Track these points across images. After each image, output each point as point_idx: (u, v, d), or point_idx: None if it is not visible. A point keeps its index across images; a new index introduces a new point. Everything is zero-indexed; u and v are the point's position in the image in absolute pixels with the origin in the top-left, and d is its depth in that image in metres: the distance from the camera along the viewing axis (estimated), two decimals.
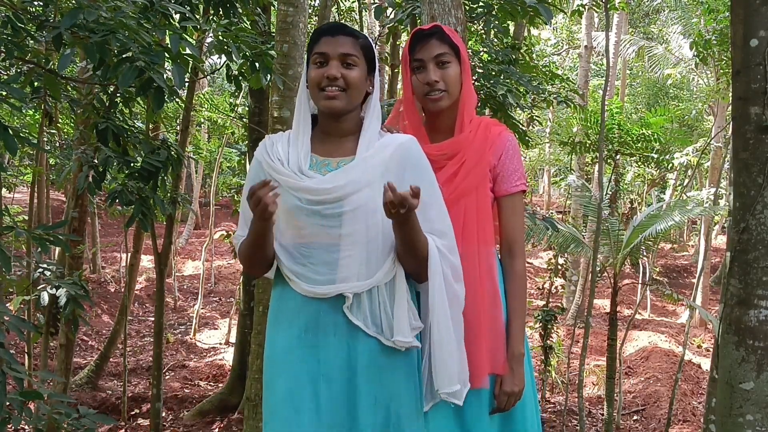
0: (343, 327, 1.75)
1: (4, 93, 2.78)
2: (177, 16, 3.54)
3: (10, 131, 2.46)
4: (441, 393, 1.79)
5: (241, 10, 4.41)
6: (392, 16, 5.42)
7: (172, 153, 3.91)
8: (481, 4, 5.05)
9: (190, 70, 4.48)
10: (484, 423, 1.97)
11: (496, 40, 5.86)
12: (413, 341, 1.78)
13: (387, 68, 9.53)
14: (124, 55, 2.71)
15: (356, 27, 9.50)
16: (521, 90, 5.07)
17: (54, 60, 4.24)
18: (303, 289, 1.77)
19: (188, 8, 3.55)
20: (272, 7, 6.00)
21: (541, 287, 12.57)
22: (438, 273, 1.78)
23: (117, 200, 3.75)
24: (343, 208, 1.73)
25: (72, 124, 8.07)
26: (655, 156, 9.05)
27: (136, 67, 2.65)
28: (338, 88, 1.75)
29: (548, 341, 7.79)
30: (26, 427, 6.05)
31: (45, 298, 4.09)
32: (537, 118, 10.49)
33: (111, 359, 8.05)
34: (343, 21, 9.85)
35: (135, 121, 5.15)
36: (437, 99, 1.97)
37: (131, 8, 2.92)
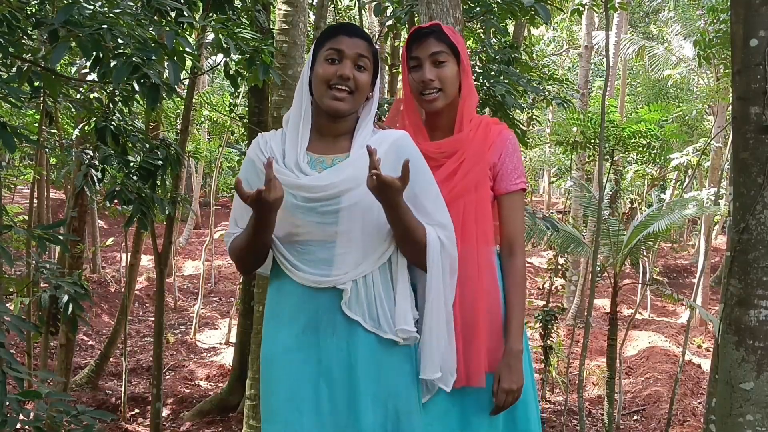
0: (342, 326, 1.75)
1: (4, 92, 2.77)
2: (174, 14, 3.53)
3: (8, 129, 2.46)
4: (424, 378, 1.80)
5: (239, 8, 4.41)
6: (390, 13, 5.42)
7: (171, 152, 3.91)
8: (480, 3, 5.05)
9: (189, 69, 4.48)
10: (485, 421, 1.96)
11: (495, 39, 5.86)
12: (415, 333, 1.78)
13: (386, 68, 9.53)
14: (118, 51, 2.70)
15: None
16: (520, 90, 5.07)
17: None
18: (300, 277, 1.76)
19: (185, 5, 3.54)
20: (272, 6, 6.00)
21: (541, 287, 12.59)
22: (437, 262, 1.77)
23: (116, 200, 3.75)
24: (339, 205, 1.73)
25: (72, 124, 8.07)
26: (654, 152, 9.05)
27: (131, 63, 2.64)
28: (348, 89, 1.75)
29: (548, 341, 7.78)
30: (26, 426, 6.04)
31: (45, 298, 4.08)
32: (537, 118, 10.50)
33: (111, 359, 8.05)
34: (341, 20, 9.85)
35: (135, 121, 5.14)
36: (432, 100, 1.96)
37: (127, 4, 2.91)
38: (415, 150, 1.83)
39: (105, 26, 2.57)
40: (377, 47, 1.88)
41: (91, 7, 2.55)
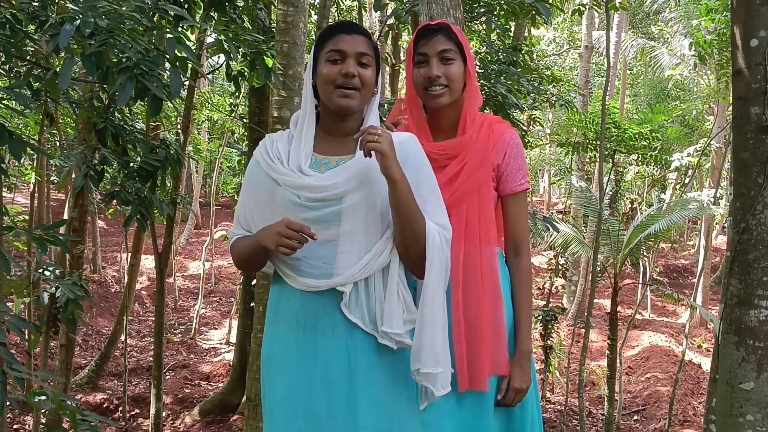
0: (341, 326, 1.74)
1: (10, 99, 2.77)
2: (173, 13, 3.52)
3: (14, 137, 2.47)
4: (421, 372, 1.73)
5: (241, 8, 4.40)
6: (390, 11, 5.42)
7: (171, 152, 3.91)
8: (481, 3, 5.05)
9: (189, 73, 4.48)
10: (484, 425, 1.95)
11: (497, 40, 5.86)
12: (405, 338, 1.74)
13: (387, 68, 9.55)
14: (122, 65, 2.69)
15: None
16: (522, 90, 5.07)
17: (55, 61, 4.23)
18: (299, 283, 1.76)
19: (186, 7, 3.54)
20: (273, 5, 6.00)
21: (541, 287, 12.57)
22: (437, 254, 1.73)
23: (114, 200, 3.75)
24: (342, 205, 1.73)
25: (73, 124, 8.07)
26: (654, 153, 9.05)
27: (134, 74, 2.64)
28: (354, 86, 1.75)
29: (549, 341, 7.78)
30: (26, 426, 6.05)
31: (45, 298, 4.08)
32: (538, 119, 10.50)
33: (111, 359, 8.06)
34: (342, 20, 9.84)
35: (135, 121, 5.14)
36: (438, 95, 1.94)
37: (128, 8, 2.91)
38: (420, 152, 1.83)
39: (108, 40, 2.57)
40: (378, 46, 1.87)
41: (93, 20, 2.55)
